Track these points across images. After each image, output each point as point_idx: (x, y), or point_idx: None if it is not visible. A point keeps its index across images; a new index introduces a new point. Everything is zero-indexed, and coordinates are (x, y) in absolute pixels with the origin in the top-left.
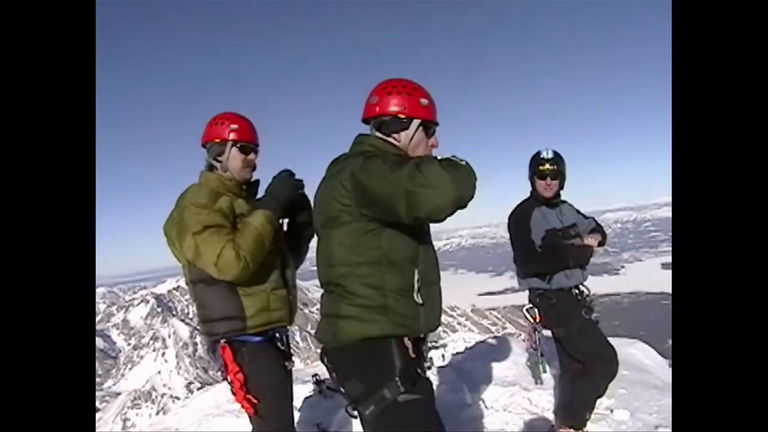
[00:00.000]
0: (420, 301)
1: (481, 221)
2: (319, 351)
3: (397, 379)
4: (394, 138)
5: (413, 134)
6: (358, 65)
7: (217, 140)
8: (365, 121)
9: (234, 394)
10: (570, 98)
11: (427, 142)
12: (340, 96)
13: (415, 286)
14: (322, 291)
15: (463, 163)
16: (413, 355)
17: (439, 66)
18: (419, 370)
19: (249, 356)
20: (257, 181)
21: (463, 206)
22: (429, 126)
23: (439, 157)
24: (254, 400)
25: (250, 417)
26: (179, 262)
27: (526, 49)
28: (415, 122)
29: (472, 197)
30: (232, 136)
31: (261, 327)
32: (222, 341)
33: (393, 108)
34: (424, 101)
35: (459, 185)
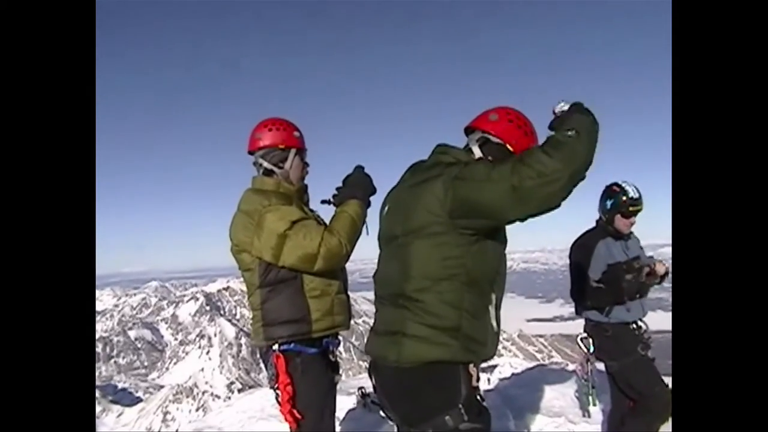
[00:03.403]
0: (495, 326)
1: (533, 246)
2: (362, 363)
3: (460, 406)
4: (488, 159)
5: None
6: (357, 60)
7: (281, 146)
8: (468, 129)
9: (279, 403)
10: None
11: None
12: (339, 87)
13: (491, 311)
14: (371, 302)
15: (571, 134)
16: (475, 384)
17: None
18: (480, 399)
19: (302, 367)
20: (307, 186)
21: (581, 178)
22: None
23: (542, 143)
24: (298, 415)
25: (290, 428)
26: (243, 267)
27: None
28: (505, 145)
29: (590, 162)
30: (297, 143)
31: (325, 331)
32: (276, 350)
33: (494, 131)
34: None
35: (569, 163)
